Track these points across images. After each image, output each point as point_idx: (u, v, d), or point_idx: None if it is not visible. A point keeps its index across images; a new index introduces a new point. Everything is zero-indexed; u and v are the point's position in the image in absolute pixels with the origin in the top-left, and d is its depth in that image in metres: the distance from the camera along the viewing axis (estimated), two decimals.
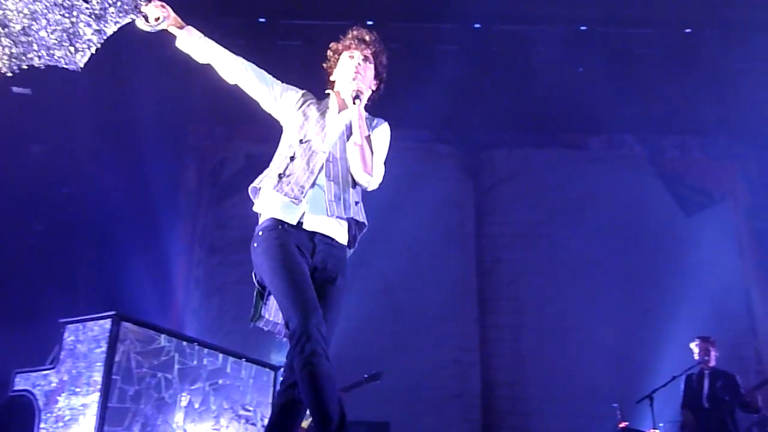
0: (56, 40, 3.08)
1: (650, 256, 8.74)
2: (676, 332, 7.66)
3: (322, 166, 2.85)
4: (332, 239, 2.83)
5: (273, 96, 3.05)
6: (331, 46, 3.13)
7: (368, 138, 2.86)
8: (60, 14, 3.06)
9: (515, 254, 9.09)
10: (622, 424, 6.77)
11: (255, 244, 2.87)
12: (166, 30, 3.00)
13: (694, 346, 6.81)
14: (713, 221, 9.07)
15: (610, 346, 8.31)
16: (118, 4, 3.10)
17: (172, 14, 2.97)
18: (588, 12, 8.76)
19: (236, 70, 3.02)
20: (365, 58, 3.02)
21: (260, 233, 2.85)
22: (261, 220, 2.92)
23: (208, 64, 3.08)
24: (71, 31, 3.10)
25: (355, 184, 2.91)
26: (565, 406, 8.31)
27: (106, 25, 3.13)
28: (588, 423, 7.91)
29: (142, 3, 2.99)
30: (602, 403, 7.32)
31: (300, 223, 2.79)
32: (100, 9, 3.11)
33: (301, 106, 3.02)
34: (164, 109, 8.30)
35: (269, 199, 2.89)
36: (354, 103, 2.88)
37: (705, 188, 9.29)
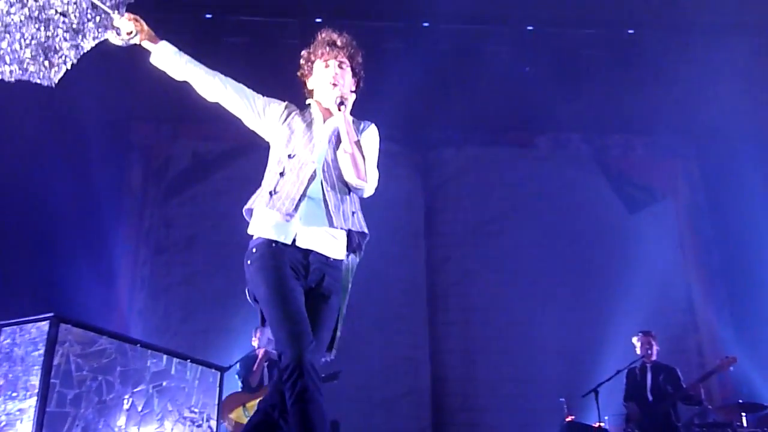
0: (30, 54, 2.94)
1: (596, 252, 8.90)
2: (620, 327, 7.81)
3: (312, 178, 2.74)
4: (327, 257, 2.75)
5: (256, 112, 2.91)
6: (302, 54, 2.99)
7: (358, 143, 2.76)
8: (35, 27, 2.92)
9: (464, 252, 9.15)
10: (569, 418, 6.89)
11: (248, 262, 2.74)
12: (140, 45, 2.90)
13: (636, 341, 6.96)
14: (656, 218, 9.31)
15: (557, 341, 8.43)
16: (97, 19, 2.98)
17: (146, 28, 2.87)
18: (535, 12, 8.87)
19: (215, 88, 2.89)
20: (340, 64, 2.90)
21: (254, 250, 2.73)
22: (254, 239, 2.79)
23: (186, 81, 2.95)
24: (46, 45, 2.95)
25: (350, 192, 2.81)
26: (514, 402, 8.41)
27: (84, 39, 3.01)
28: (537, 417, 8.02)
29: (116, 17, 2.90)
30: (550, 397, 7.43)
31: (294, 241, 2.69)
32: (78, 23, 2.98)
33: (285, 119, 2.90)
34: (107, 107, 8.10)
35: (262, 218, 2.77)
36: (339, 110, 2.75)
37: (648, 186, 9.51)
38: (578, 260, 8.86)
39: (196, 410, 4.74)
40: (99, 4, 2.89)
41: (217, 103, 2.96)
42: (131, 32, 2.85)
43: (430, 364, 8.72)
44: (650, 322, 7.60)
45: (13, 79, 2.92)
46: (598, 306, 8.54)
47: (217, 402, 4.93)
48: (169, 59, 2.88)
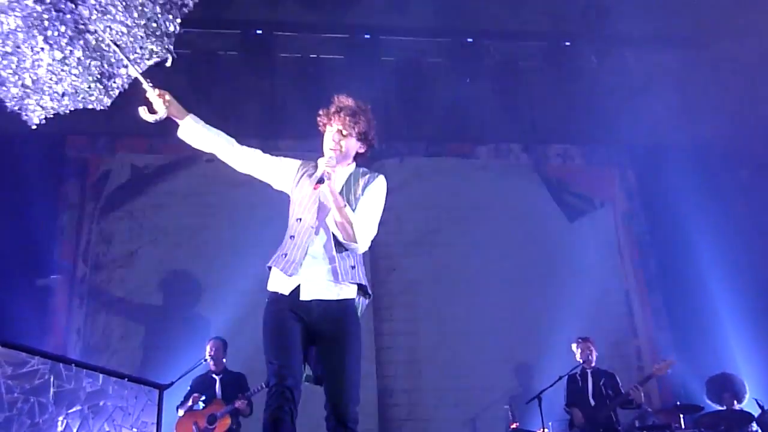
0: (87, 86, 3.22)
1: (537, 260, 9.02)
2: (561, 334, 7.92)
3: (313, 241, 3.10)
4: (326, 300, 3.06)
5: (281, 176, 3.28)
6: (320, 111, 3.28)
7: (342, 210, 3.03)
8: (92, 59, 3.19)
9: (410, 262, 9.17)
10: (513, 425, 6.96)
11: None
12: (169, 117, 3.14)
13: (575, 347, 7.09)
14: (595, 226, 9.50)
15: (502, 349, 8.50)
16: (146, 48, 3.23)
17: (175, 103, 3.12)
18: (474, 25, 9.02)
19: (242, 160, 3.26)
20: (340, 131, 3.18)
21: (266, 304, 3.15)
22: (268, 293, 3.18)
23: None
24: (101, 73, 3.24)
25: (347, 249, 3.11)
26: (461, 411, 8.44)
27: (135, 66, 3.21)
28: (482, 425, 8.09)
29: (169, 55, 3.21)
30: (495, 405, 7.50)
31: (297, 294, 3.05)
32: (130, 52, 3.20)
33: (297, 182, 3.23)
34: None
35: (274, 276, 3.17)
36: (315, 189, 3.02)
37: (587, 195, 9.70)
38: (520, 268, 8.97)
39: (135, 430, 4.63)
40: (140, 78, 3.12)
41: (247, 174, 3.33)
42: (160, 110, 3.08)
43: (376, 375, 8.70)
44: (591, 328, 7.74)
45: (68, 111, 3.26)
46: (540, 313, 8.64)
47: (156, 420, 4.82)
48: (195, 133, 3.20)
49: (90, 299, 8.49)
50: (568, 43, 9.17)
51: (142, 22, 3.18)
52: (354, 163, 3.34)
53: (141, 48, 3.23)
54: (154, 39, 3.23)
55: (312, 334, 3.08)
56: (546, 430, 6.67)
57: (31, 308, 7.73)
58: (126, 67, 3.20)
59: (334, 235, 3.10)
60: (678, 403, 6.81)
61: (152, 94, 3.09)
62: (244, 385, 6.64)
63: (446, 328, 8.81)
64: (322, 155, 3.26)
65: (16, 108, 3.21)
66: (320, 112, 3.28)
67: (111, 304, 8.51)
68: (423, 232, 9.29)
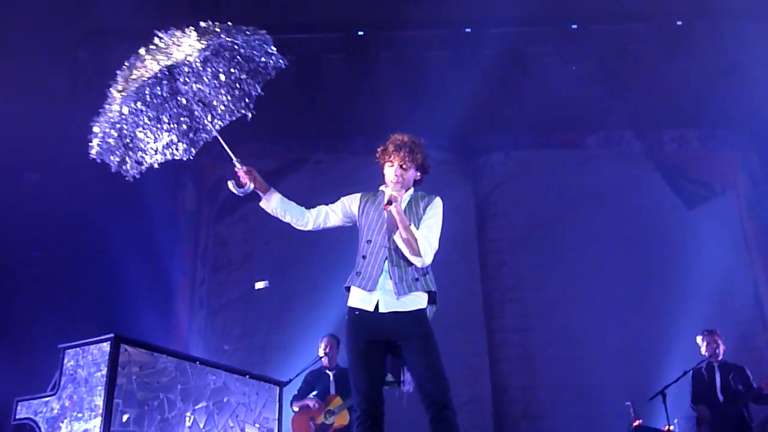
0: (176, 139, 3.70)
1: (654, 251, 8.67)
2: (684, 327, 7.57)
3: (385, 258, 3.49)
4: (400, 312, 3.44)
5: (348, 218, 3.72)
6: (378, 148, 3.66)
7: (408, 228, 3.42)
8: (183, 116, 3.66)
9: (518, 257, 9.02)
10: (636, 422, 6.69)
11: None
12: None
13: (700, 340, 6.72)
14: (716, 214, 9.00)
15: (619, 344, 8.22)
16: (229, 105, 3.69)
17: (259, 178, 3.60)
18: (578, 10, 8.75)
19: (314, 223, 3.72)
20: (401, 166, 3.56)
21: (347, 317, 3.56)
22: (348, 308, 3.58)
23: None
24: (190, 128, 3.71)
25: (412, 264, 3.49)
26: (578, 407, 8.22)
27: (220, 120, 3.71)
28: (602, 423, 7.83)
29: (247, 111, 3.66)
30: (614, 401, 7.23)
31: (376, 308, 3.44)
32: (216, 109, 3.67)
33: (363, 211, 3.66)
34: None
35: (353, 294, 3.57)
36: (386, 209, 3.42)
37: (706, 181, 9.22)
38: (636, 260, 8.65)
39: (257, 425, 4.77)
40: (231, 155, 3.55)
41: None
42: (246, 184, 3.55)
43: (489, 372, 8.60)
44: (715, 320, 7.36)
45: (157, 165, 3.70)
46: (660, 306, 8.31)
47: (277, 416, 4.94)
48: (276, 205, 3.66)
49: (209, 301, 8.85)
50: (679, 23, 8.73)
51: (228, 87, 3.64)
52: (412, 189, 3.69)
53: (224, 106, 3.66)
54: (236, 100, 3.68)
55: (390, 344, 3.48)
56: (671, 427, 6.38)
57: (156, 311, 8.12)
58: (214, 128, 3.63)
59: (400, 252, 3.47)
60: None
61: (240, 169, 3.53)
62: None
63: (559, 323, 8.61)
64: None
65: (118, 165, 3.65)
66: (378, 150, 3.65)
67: (228, 305, 8.83)
68: (532, 226, 9.11)
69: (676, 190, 9.12)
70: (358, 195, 3.74)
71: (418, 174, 3.67)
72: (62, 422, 3.99)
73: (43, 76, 8.06)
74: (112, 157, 3.64)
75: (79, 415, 3.94)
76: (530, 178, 9.23)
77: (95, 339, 4.07)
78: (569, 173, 9.20)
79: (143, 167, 3.68)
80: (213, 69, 3.62)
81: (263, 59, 3.64)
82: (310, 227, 3.73)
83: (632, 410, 6.80)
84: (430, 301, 3.58)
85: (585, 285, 8.60)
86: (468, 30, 8.83)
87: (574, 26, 8.76)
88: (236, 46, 3.58)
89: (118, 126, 3.56)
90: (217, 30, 3.51)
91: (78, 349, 4.11)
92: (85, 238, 7.94)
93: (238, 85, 3.66)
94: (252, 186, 3.58)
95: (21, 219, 7.87)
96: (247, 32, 3.56)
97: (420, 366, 3.40)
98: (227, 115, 3.71)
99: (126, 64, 3.57)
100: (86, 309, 7.44)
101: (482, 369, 8.55)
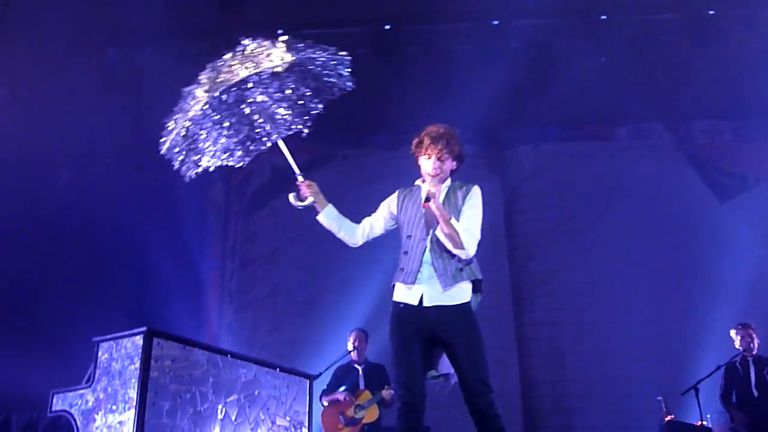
0: (234, 146, 3.73)
1: (686, 245, 8.56)
2: (716, 321, 7.47)
3: (424, 251, 3.48)
4: (443, 306, 3.42)
5: (392, 219, 3.70)
6: (413, 140, 3.64)
7: (448, 222, 3.40)
8: (244, 128, 3.70)
9: (547, 251, 8.97)
10: (668, 417, 6.62)
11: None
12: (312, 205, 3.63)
13: (734, 334, 6.61)
14: (749, 206, 8.84)
15: (649, 338, 8.14)
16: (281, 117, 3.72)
17: (319, 193, 3.64)
18: (607, 0, 8.66)
19: (364, 236, 3.73)
20: (438, 158, 3.53)
21: (391, 310, 3.57)
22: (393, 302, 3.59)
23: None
24: (245, 137, 3.73)
25: (455, 256, 3.46)
26: (608, 402, 8.16)
27: (275, 131, 3.72)
28: (633, 418, 7.77)
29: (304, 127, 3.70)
30: (646, 397, 7.18)
31: (420, 302, 3.44)
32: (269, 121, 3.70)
33: (401, 209, 3.64)
34: None
35: (396, 288, 3.56)
36: (425, 207, 3.42)
37: (739, 172, 9.07)
38: (667, 254, 8.54)
39: (288, 418, 4.80)
40: (295, 169, 3.64)
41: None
42: (307, 198, 3.59)
43: (518, 366, 8.57)
44: (748, 314, 7.23)
45: (212, 168, 3.73)
46: (691, 300, 8.21)
47: (308, 410, 4.97)
48: (332, 221, 3.68)
49: (239, 295, 8.93)
50: (712, 12, 8.60)
51: (291, 102, 3.67)
52: (449, 179, 3.65)
53: (283, 120, 3.70)
54: (296, 115, 3.72)
55: (434, 338, 3.45)
56: (704, 422, 6.31)
57: (187, 305, 8.21)
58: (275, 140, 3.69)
59: (441, 244, 3.45)
60: None
61: (303, 183, 3.58)
62: (385, 376, 6.71)
63: (588, 317, 8.55)
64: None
65: (180, 163, 3.68)
66: (414, 142, 3.63)
67: (258, 299, 8.90)
68: (561, 219, 9.04)
69: (708, 182, 8.98)
70: (395, 194, 3.74)
71: (455, 164, 3.65)
72: (97, 414, 4.05)
73: (74, 74, 8.17)
74: (177, 155, 3.66)
75: (114, 407, 4.00)
76: (559, 171, 9.15)
77: (128, 332, 4.12)
78: (598, 166, 9.11)
79: (200, 169, 3.71)
80: (281, 82, 3.64)
81: (332, 79, 3.66)
82: (359, 243, 3.75)
83: (664, 405, 6.73)
84: (475, 290, 3.57)
85: (615, 279, 8.52)
86: (495, 22, 8.79)
87: (603, 17, 8.68)
88: (315, 64, 3.60)
89: (189, 126, 3.59)
90: (303, 45, 3.55)
91: (112, 342, 4.16)
92: (117, 234, 8.06)
93: (301, 102, 3.70)
94: (312, 200, 3.61)
95: (55, 215, 8.02)
96: (330, 52, 3.60)
97: (465, 367, 3.40)
98: (284, 129, 3.73)
99: (210, 66, 3.60)
100: (119, 303, 7.56)
101: (511, 363, 8.53)
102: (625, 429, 7.81)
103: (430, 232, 3.49)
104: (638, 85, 8.71)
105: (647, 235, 8.64)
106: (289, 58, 3.53)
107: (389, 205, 3.72)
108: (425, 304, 3.44)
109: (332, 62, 3.62)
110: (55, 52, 8.05)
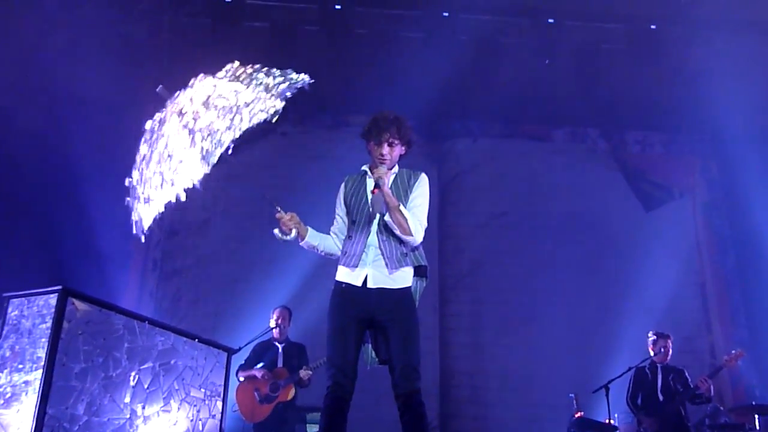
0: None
1: (610, 249, 8.82)
2: (631, 325, 7.74)
3: (369, 235, 3.54)
4: (386, 288, 3.48)
5: (345, 208, 3.71)
6: (365, 127, 3.64)
7: (397, 209, 3.44)
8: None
9: (476, 244, 9.09)
10: (578, 414, 6.81)
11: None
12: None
13: (651, 340, 6.85)
14: (672, 217, 9.19)
15: (568, 336, 8.35)
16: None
17: (300, 224, 3.62)
18: (556, 5, 8.79)
19: (338, 241, 3.71)
20: (388, 144, 3.55)
21: (332, 290, 3.60)
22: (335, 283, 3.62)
23: None
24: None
25: (401, 241, 3.52)
26: (523, 396, 8.36)
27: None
28: (545, 413, 7.96)
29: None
30: (559, 393, 7.36)
31: (364, 284, 3.49)
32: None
33: (348, 197, 3.67)
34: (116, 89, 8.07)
35: (339, 270, 3.60)
36: (374, 193, 3.45)
37: (665, 184, 9.39)
38: (591, 256, 8.78)
39: (203, 390, 4.73)
40: (275, 206, 3.62)
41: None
42: (290, 231, 3.59)
43: (439, 355, 8.67)
44: (662, 320, 7.53)
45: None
46: (610, 302, 8.46)
47: (223, 383, 4.91)
48: (315, 241, 3.68)
49: (164, 264, 8.73)
50: (653, 27, 8.84)
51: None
52: (397, 165, 3.67)
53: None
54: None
55: (373, 320, 3.49)
56: (612, 421, 6.52)
57: (108, 269, 7.97)
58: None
59: (386, 230, 3.50)
60: (753, 402, 6.54)
61: (284, 217, 3.57)
62: (304, 356, 6.67)
63: (511, 311, 8.73)
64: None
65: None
66: (365, 127, 3.63)
67: (183, 269, 8.73)
68: (492, 214, 9.18)
69: (635, 190, 9.27)
70: (342, 184, 3.76)
71: (404, 149, 3.67)
72: (1, 372, 3.89)
73: None
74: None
75: (20, 366, 3.84)
76: (495, 167, 9.28)
77: (42, 290, 3.96)
78: (534, 165, 9.28)
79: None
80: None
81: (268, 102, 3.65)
82: (338, 252, 3.70)
83: (575, 402, 6.92)
84: (420, 274, 3.62)
85: (539, 275, 8.72)
86: (446, 14, 8.81)
87: (551, 20, 8.82)
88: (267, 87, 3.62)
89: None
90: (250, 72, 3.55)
91: (23, 299, 3.99)
92: (42, 190, 7.74)
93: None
94: (296, 233, 3.61)
95: None
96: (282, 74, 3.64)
97: (397, 353, 3.42)
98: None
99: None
100: (35, 261, 7.25)
101: (432, 352, 8.61)
102: (537, 422, 8.01)
103: (377, 217, 3.52)
104: (578, 90, 8.91)
105: (573, 237, 8.86)
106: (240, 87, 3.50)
107: (339, 199, 3.75)
108: (369, 285, 3.48)
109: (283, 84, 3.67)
110: None
